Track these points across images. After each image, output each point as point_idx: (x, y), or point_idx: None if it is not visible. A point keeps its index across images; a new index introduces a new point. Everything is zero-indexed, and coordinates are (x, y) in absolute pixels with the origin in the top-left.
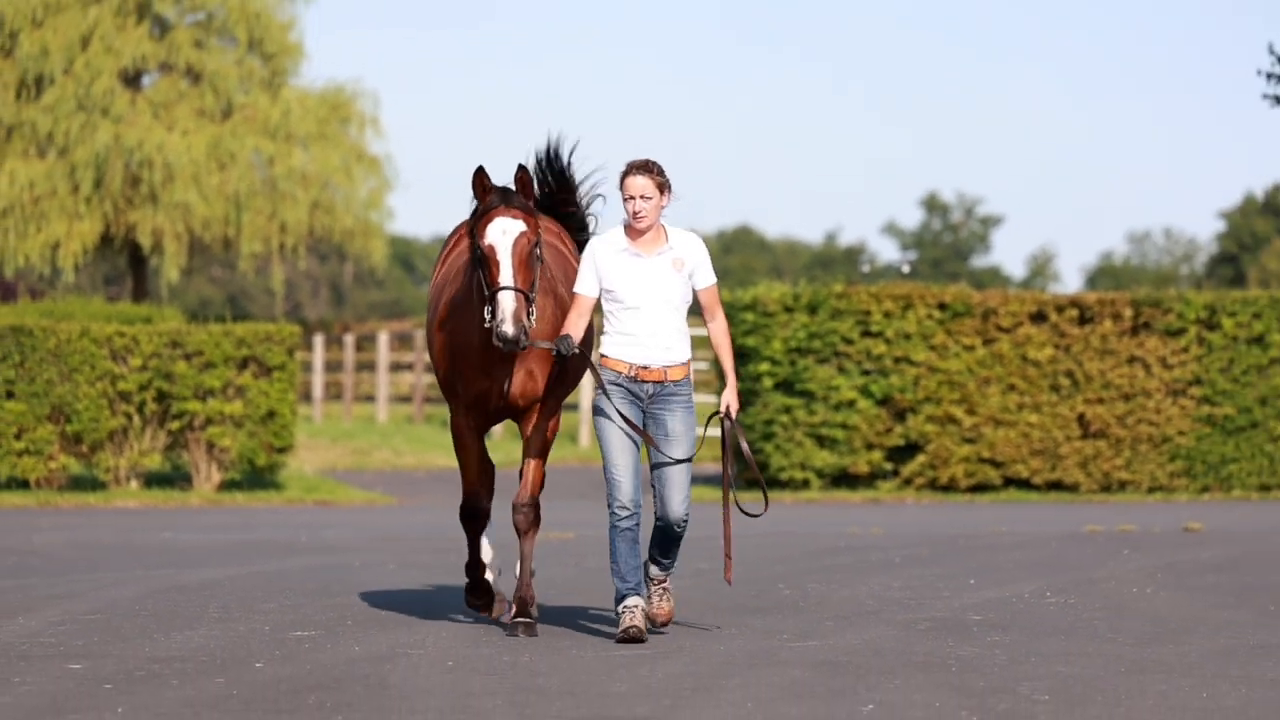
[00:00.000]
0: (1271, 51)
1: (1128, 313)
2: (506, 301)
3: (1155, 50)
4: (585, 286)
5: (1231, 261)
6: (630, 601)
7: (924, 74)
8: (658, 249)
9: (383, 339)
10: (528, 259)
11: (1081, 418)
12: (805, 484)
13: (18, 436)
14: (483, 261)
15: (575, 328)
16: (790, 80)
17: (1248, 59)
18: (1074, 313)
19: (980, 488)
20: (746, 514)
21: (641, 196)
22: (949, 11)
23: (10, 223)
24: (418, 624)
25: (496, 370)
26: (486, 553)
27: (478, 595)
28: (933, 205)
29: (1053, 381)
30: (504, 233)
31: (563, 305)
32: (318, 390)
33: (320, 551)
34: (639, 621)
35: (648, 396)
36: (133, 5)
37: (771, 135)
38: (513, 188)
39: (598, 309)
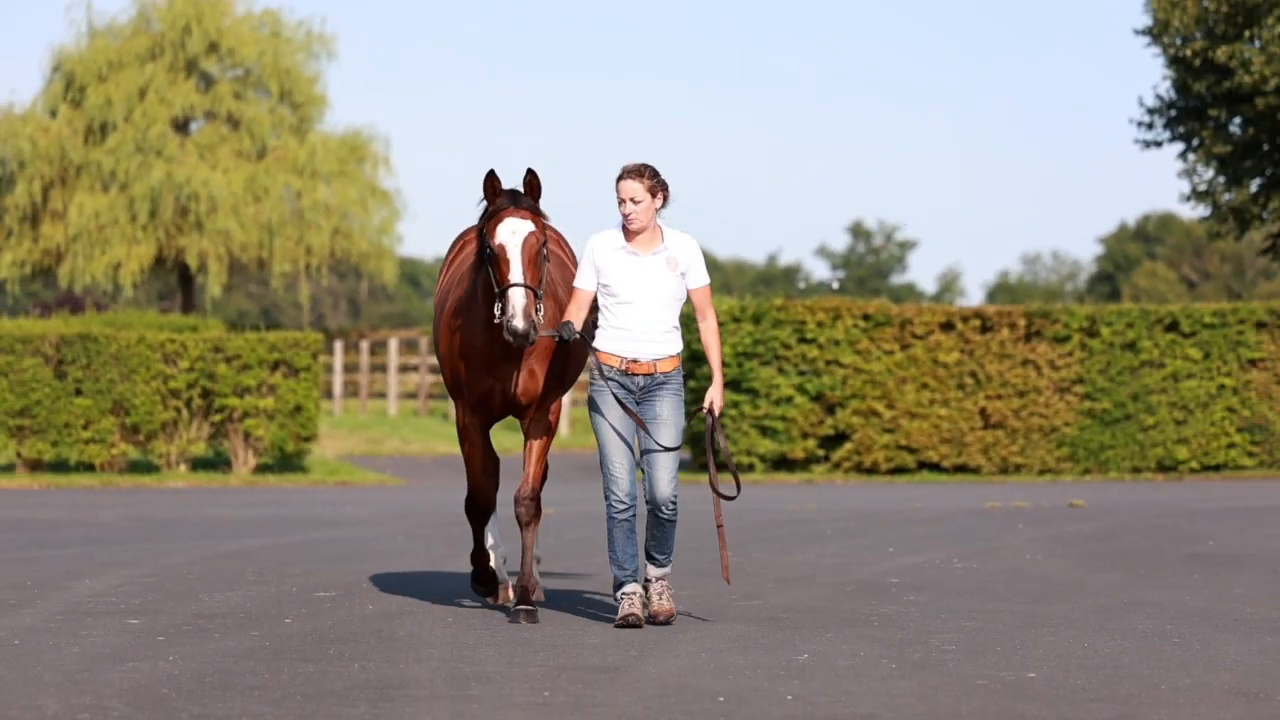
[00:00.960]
0: (1141, 104)
1: (1021, 323)
2: (517, 297)
3: (1045, 98)
4: (584, 281)
5: (1108, 280)
6: (628, 588)
7: (852, 119)
8: (654, 248)
9: (393, 345)
10: (536, 258)
11: (983, 411)
12: (750, 468)
13: (85, 427)
14: (493, 260)
15: (575, 320)
16: (735, 126)
17: (1124, 106)
18: (977, 323)
19: (898, 470)
20: (722, 496)
21: (632, 200)
22: (872, 63)
23: (79, 247)
24: (422, 586)
25: (500, 369)
26: (489, 540)
27: (483, 583)
28: (858, 231)
29: (959, 381)
30: (514, 232)
31: (562, 308)
32: (337, 388)
33: (340, 525)
34: (636, 609)
35: (639, 389)
36: (182, 63)
37: (721, 171)
38: (521, 190)
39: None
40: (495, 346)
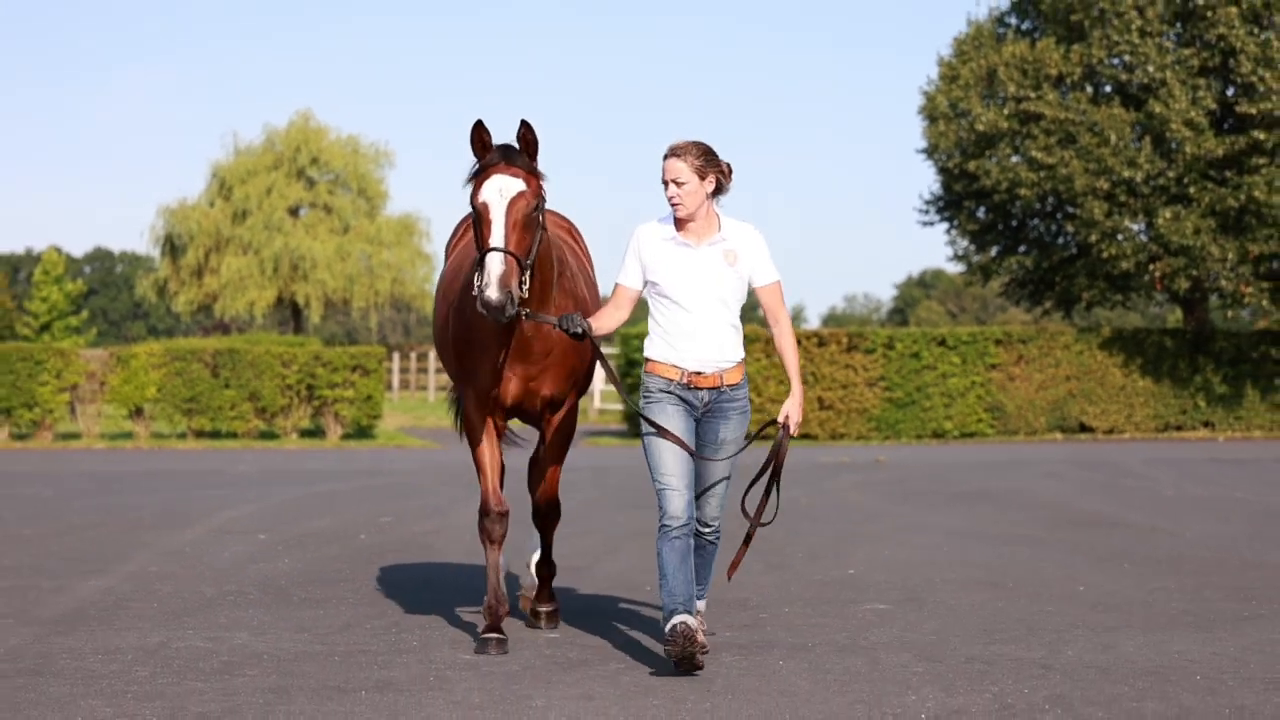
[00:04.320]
0: (920, 197)
1: (844, 340)
2: (494, 264)
3: (864, 186)
4: (628, 278)
5: (900, 312)
6: (679, 619)
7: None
8: (708, 239)
9: (431, 355)
10: (525, 222)
11: (820, 399)
12: None
13: (231, 409)
14: (476, 221)
15: (603, 319)
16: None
17: (911, 198)
18: (816, 340)
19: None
20: (757, 523)
21: (675, 181)
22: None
23: (227, 291)
24: (451, 513)
25: (500, 356)
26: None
27: (493, 632)
28: None
29: (804, 378)
30: (500, 191)
31: (585, 307)
32: (395, 382)
33: (395, 474)
34: (693, 648)
35: (703, 405)
36: (295, 171)
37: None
38: (515, 145)
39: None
40: (493, 330)
